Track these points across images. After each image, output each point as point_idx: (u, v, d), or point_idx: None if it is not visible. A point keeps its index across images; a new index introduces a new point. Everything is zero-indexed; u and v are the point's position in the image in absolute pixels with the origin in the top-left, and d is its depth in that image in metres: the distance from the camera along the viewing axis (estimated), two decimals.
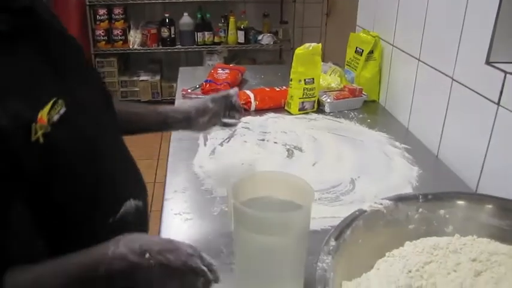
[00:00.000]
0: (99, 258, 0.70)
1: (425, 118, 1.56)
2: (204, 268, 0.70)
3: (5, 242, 0.70)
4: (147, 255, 0.68)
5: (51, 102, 0.73)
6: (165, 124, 1.20)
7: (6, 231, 0.70)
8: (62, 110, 0.75)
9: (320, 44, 1.69)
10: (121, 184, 0.95)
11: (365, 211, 0.88)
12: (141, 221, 1.01)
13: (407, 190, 1.24)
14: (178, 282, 0.71)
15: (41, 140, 0.71)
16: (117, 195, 0.90)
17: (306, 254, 0.83)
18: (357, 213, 0.87)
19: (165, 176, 1.29)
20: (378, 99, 1.91)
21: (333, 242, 0.79)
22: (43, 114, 0.71)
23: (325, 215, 1.10)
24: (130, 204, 0.95)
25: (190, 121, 1.19)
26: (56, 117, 0.73)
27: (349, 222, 0.85)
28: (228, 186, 0.81)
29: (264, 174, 0.88)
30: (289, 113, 1.74)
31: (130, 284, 0.70)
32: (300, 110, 1.72)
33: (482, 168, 1.24)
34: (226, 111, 1.24)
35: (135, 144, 1.22)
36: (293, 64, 1.69)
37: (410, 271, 0.85)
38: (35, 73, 0.77)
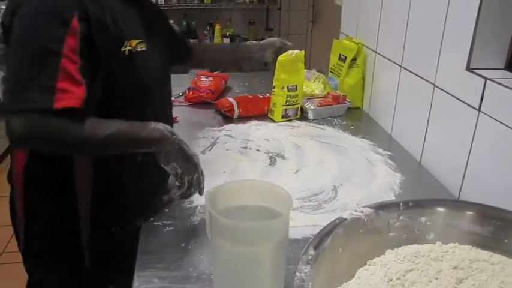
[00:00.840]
0: (143, 127, 1.04)
1: (408, 125, 1.56)
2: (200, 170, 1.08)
3: (87, 98, 1.00)
4: (174, 136, 1.05)
5: (139, 40, 1.11)
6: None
7: (90, 92, 1.00)
8: (143, 48, 1.12)
9: (303, 51, 1.68)
10: (159, 118, 1.13)
11: (345, 219, 0.87)
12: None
13: (390, 197, 1.23)
14: (184, 164, 1.05)
15: (126, 52, 1.08)
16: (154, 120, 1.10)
17: (285, 263, 0.82)
18: (337, 221, 0.86)
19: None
20: (362, 105, 1.91)
21: (311, 251, 0.78)
22: (133, 42, 1.09)
23: (306, 224, 1.09)
24: None
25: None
26: (138, 48, 1.10)
27: (328, 231, 0.83)
28: (206, 194, 0.79)
29: (241, 183, 0.87)
30: (272, 121, 1.73)
31: (157, 150, 1.04)
32: (283, 117, 1.71)
33: (465, 174, 1.24)
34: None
35: None
36: (276, 71, 1.68)
37: (391, 279, 0.84)
38: (136, 22, 1.15)
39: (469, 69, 1.21)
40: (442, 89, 1.33)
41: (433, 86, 1.38)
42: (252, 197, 0.83)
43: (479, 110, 1.17)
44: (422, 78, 1.43)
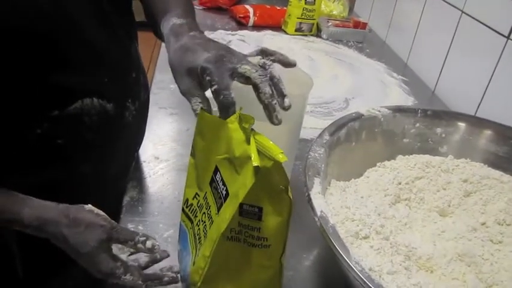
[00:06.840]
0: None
1: (426, 53, 1.50)
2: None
3: None
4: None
5: None
6: None
7: None
8: None
9: None
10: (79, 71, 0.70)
11: (362, 115, 0.84)
12: (108, 129, 0.78)
13: None
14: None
15: None
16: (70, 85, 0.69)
17: (296, 145, 0.79)
18: (353, 115, 0.83)
19: (153, 72, 1.23)
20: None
21: (326, 136, 0.75)
22: None
23: (315, 126, 1.06)
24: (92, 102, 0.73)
25: None
26: None
27: (345, 122, 0.80)
28: None
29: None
30: (287, 33, 1.66)
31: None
32: (296, 30, 1.65)
33: (479, 105, 1.20)
34: None
35: None
36: None
37: (400, 183, 0.82)
38: None
39: None
40: (470, 15, 1.28)
41: (460, 13, 1.32)
42: None
43: (508, 37, 1.12)
44: (450, 4, 1.37)
